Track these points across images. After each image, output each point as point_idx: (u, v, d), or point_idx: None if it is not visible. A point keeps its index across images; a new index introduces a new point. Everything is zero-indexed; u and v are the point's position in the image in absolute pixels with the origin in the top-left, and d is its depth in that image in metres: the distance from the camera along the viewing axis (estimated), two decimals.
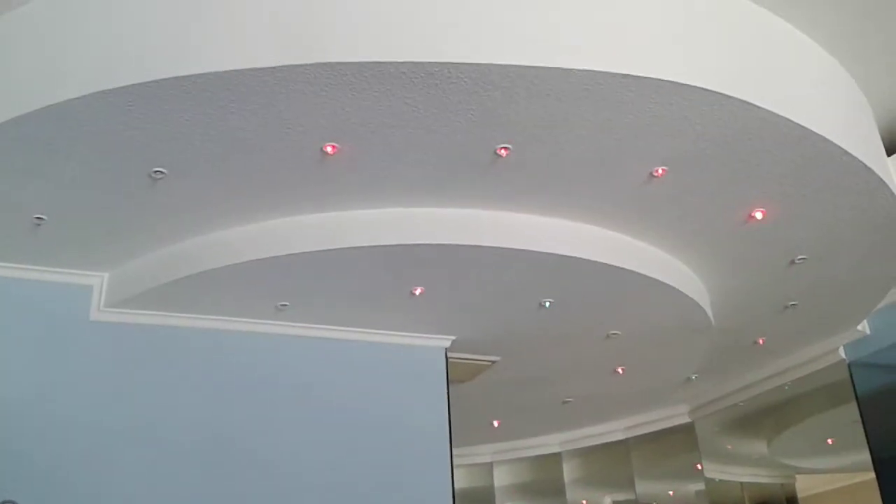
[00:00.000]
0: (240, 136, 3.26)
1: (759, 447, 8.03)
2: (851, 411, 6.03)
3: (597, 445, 8.26)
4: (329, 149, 3.37)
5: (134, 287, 4.35)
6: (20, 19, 3.27)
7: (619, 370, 6.03)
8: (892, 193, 3.90)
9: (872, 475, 5.84)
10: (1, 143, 3.22)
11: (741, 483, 8.31)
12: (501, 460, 8.69)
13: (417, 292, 4.49)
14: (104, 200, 3.72)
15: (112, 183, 3.57)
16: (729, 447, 8.22)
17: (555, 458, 8.52)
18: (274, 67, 2.85)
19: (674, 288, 4.51)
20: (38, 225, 3.88)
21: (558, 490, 8.57)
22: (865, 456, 5.89)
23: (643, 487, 8.24)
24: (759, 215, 4.03)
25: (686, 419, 7.85)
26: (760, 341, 5.95)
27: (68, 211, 3.80)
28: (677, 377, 6.55)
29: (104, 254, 4.28)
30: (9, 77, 3.19)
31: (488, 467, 8.74)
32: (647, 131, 3.32)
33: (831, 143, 3.45)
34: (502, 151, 3.43)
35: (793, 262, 4.55)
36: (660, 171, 3.62)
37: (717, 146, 3.45)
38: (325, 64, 2.85)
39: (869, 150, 3.77)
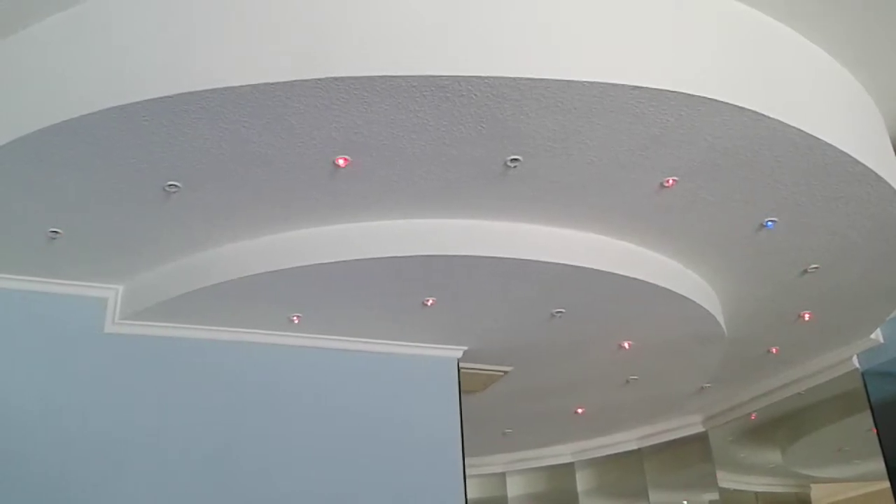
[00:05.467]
0: (252, 149, 3.28)
1: (773, 456, 7.99)
2: (865, 420, 6.00)
3: (610, 455, 8.23)
4: (341, 161, 3.39)
5: (148, 299, 4.38)
6: (34, 36, 3.31)
7: (632, 380, 6.01)
8: None
9: (887, 484, 5.81)
10: (16, 158, 3.25)
11: (756, 493, 8.26)
12: (514, 470, 8.68)
13: (429, 303, 4.50)
14: (119, 214, 3.75)
15: (126, 197, 3.61)
16: (743, 456, 8.18)
17: (568, 469, 8.49)
18: (285, 82, 2.87)
19: (686, 298, 4.50)
20: (54, 238, 3.92)
21: (571, 500, 8.54)
22: (880, 465, 5.86)
23: (657, 497, 8.21)
24: (770, 225, 4.03)
25: (700, 429, 7.82)
26: (774, 350, 5.93)
27: (83, 224, 3.83)
28: (690, 387, 6.53)
29: (119, 266, 4.31)
30: (23, 93, 3.23)
31: (501, 477, 8.72)
32: (658, 142, 3.33)
33: (842, 152, 3.45)
34: (512, 163, 3.44)
35: (805, 271, 4.55)
36: (670, 181, 3.63)
37: (727, 156, 3.45)
38: (336, 78, 2.87)
39: (880, 158, 3.76)
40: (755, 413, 7.24)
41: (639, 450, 8.14)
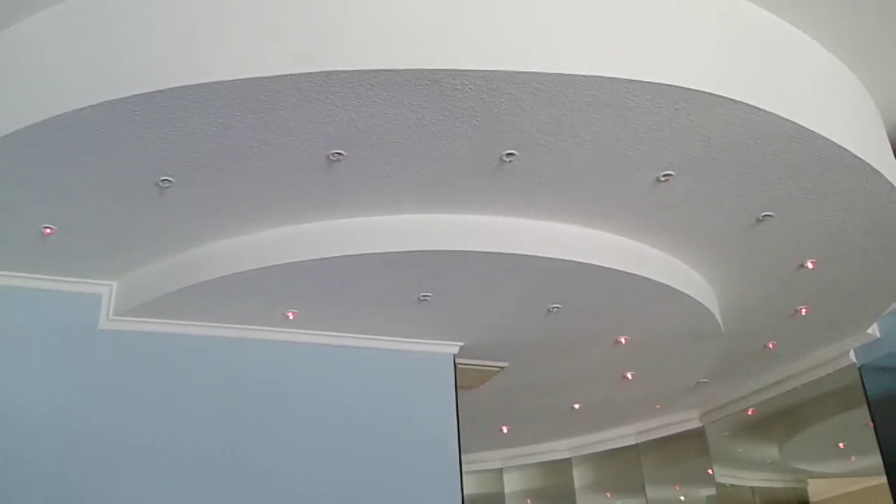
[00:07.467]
0: (246, 144, 3.27)
1: (770, 451, 8.00)
2: (862, 415, 6.00)
3: (607, 451, 8.25)
4: (335, 156, 3.38)
5: (143, 296, 4.36)
6: (25, 31, 3.29)
7: (629, 375, 6.01)
8: None
9: (884, 479, 5.81)
10: (9, 154, 3.23)
11: (752, 488, 8.27)
12: (511, 466, 8.68)
13: (425, 298, 4.49)
14: (112, 209, 3.73)
15: (120, 192, 3.59)
16: (740, 451, 8.19)
17: (565, 464, 8.50)
18: (279, 76, 2.86)
19: (682, 293, 4.49)
20: (47, 234, 3.90)
21: (569, 496, 8.54)
22: (877, 460, 5.86)
23: (654, 493, 8.22)
24: (767, 219, 4.01)
25: (697, 424, 7.83)
26: (771, 345, 5.93)
27: (77, 220, 3.81)
28: (687, 382, 6.53)
29: (113, 263, 4.29)
30: (15, 88, 3.20)
31: (498, 473, 8.73)
32: (654, 136, 3.32)
33: (838, 146, 3.44)
34: (508, 157, 3.43)
35: (802, 265, 4.54)
36: (667, 175, 3.61)
37: (724, 150, 3.44)
38: (330, 72, 2.85)
39: (877, 152, 3.75)
40: (752, 408, 7.24)
41: (636, 445, 8.15)
